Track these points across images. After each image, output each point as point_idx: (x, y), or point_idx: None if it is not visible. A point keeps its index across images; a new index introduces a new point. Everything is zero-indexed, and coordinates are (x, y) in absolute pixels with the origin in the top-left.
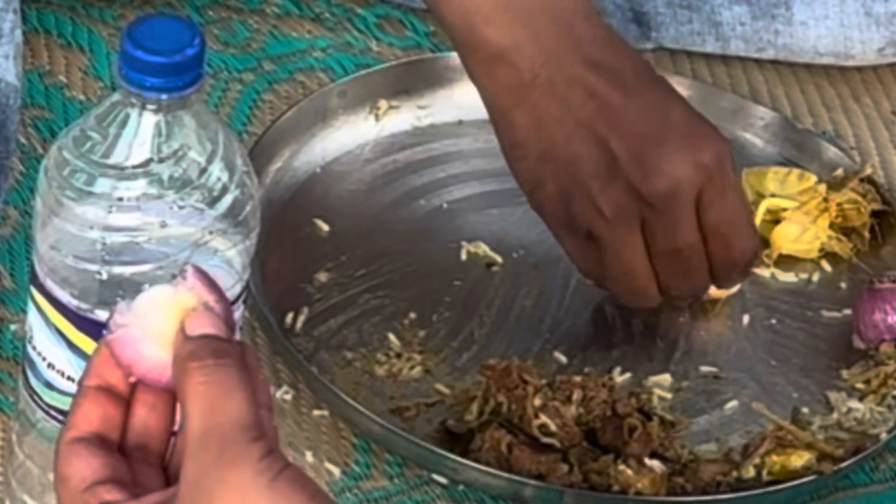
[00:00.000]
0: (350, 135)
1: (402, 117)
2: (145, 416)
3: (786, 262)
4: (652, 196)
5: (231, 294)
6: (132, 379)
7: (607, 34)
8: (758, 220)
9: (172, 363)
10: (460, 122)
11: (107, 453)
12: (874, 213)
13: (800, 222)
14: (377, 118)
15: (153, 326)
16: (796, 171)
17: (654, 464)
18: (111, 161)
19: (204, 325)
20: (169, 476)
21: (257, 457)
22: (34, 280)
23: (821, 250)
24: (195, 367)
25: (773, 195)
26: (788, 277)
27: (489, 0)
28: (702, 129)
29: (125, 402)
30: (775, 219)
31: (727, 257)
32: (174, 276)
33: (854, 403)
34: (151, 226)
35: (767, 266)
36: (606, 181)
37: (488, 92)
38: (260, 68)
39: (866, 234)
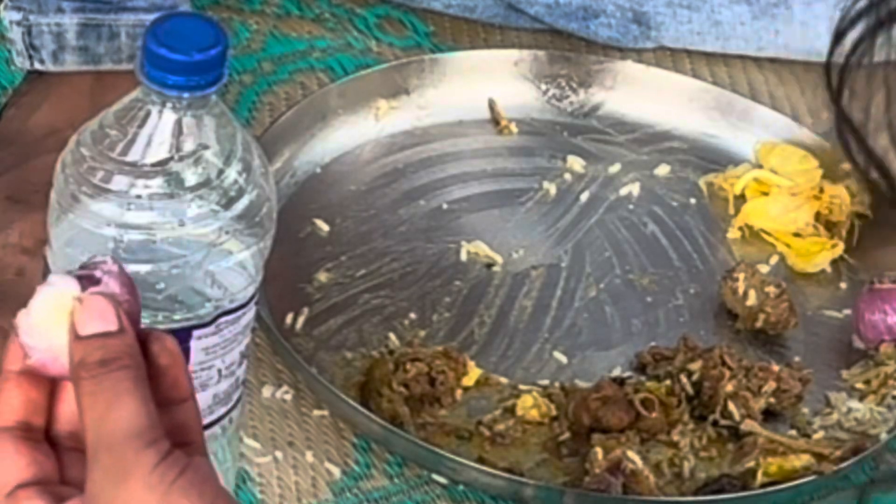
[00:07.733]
0: (350, 135)
1: (401, 117)
2: (72, 400)
3: (785, 262)
4: None
5: (244, 296)
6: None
7: None
8: (738, 188)
9: (69, 369)
10: (460, 122)
11: (32, 447)
12: (862, 216)
13: (782, 203)
14: (377, 118)
15: (40, 319)
16: (801, 152)
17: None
18: (129, 158)
19: (93, 318)
20: None
21: (149, 468)
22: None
23: (796, 234)
24: (84, 378)
25: (772, 170)
26: (788, 277)
27: None
28: None
29: (49, 384)
30: (763, 191)
31: None
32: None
33: (854, 403)
34: (168, 224)
35: (767, 265)
36: None
37: None
38: (259, 69)
39: (843, 233)
